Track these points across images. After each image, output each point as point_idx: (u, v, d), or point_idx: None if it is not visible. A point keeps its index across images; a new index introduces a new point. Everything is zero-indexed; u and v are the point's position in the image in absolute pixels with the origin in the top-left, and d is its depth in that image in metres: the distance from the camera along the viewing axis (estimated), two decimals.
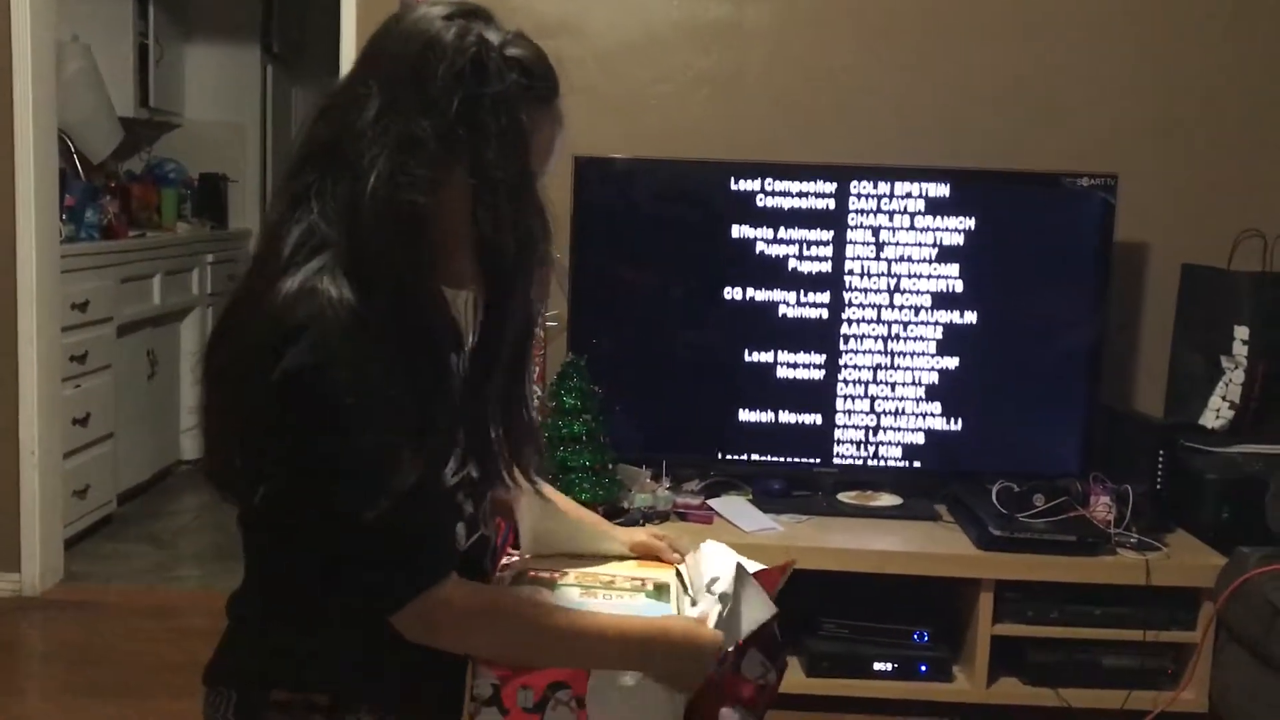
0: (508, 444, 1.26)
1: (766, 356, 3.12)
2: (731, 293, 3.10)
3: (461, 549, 1.22)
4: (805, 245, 3.08)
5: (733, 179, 3.06)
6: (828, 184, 3.07)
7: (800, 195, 3.07)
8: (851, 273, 3.10)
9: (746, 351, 3.12)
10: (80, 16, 4.38)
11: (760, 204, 3.07)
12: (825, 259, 3.09)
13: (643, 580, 1.37)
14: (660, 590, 1.34)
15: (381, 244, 1.10)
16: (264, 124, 5.45)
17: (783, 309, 3.10)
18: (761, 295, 3.10)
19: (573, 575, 1.36)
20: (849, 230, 3.08)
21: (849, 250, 3.09)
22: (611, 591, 1.32)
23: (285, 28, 5.45)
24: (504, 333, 1.18)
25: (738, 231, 3.08)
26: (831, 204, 3.08)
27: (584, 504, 2.80)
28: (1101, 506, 2.94)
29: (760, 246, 3.08)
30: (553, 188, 3.21)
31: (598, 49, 3.28)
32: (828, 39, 3.28)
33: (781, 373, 3.12)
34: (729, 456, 3.16)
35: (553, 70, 1.20)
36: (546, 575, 1.35)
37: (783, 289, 3.10)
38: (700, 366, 3.14)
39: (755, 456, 3.15)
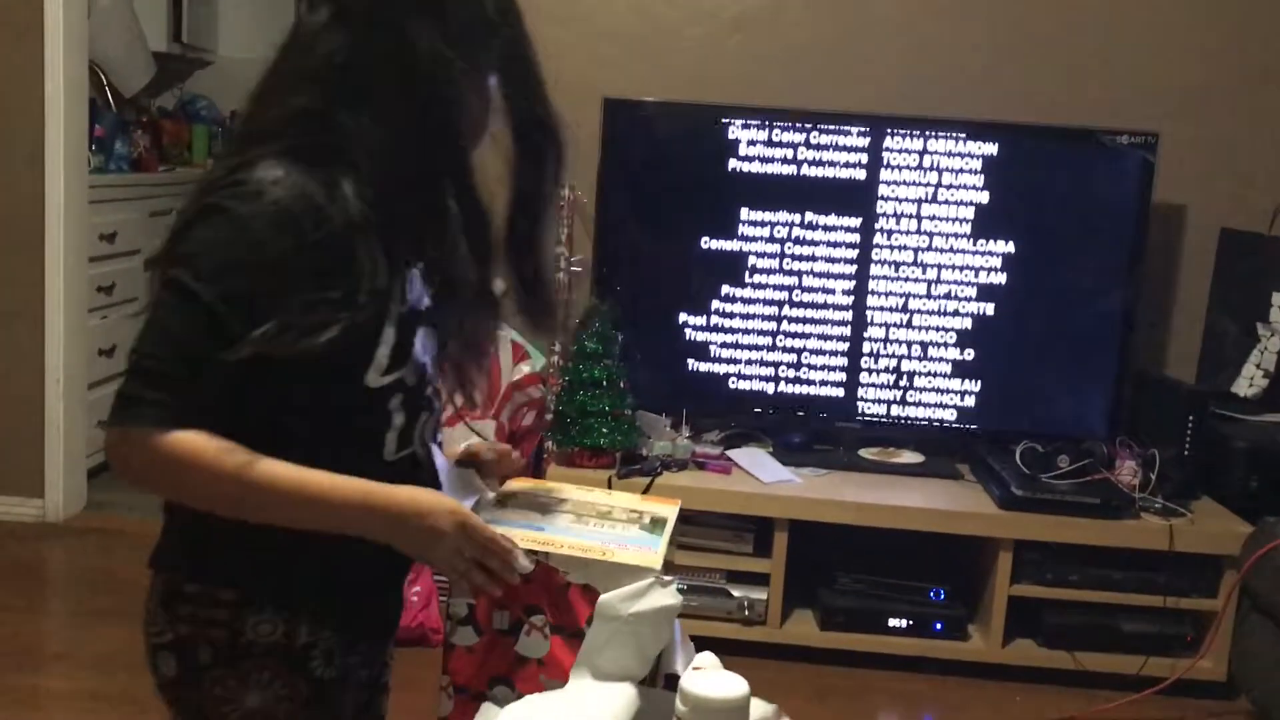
0: (461, 369, 1.30)
1: (793, 309, 3.08)
2: (758, 242, 3.05)
3: (388, 460, 1.21)
4: (836, 195, 3.03)
5: (764, 125, 3.01)
6: (862, 134, 3.01)
7: (833, 147, 3.02)
8: (882, 228, 3.04)
9: (772, 302, 3.08)
10: None
11: (792, 152, 3.02)
12: (856, 210, 3.03)
13: (640, 513, 1.35)
14: (657, 524, 1.32)
15: (426, 134, 1.15)
16: None
17: (811, 261, 3.06)
18: (790, 246, 3.05)
19: (570, 503, 1.34)
20: (881, 184, 3.03)
21: (880, 205, 3.03)
22: (605, 521, 1.30)
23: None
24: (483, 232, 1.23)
25: (767, 179, 3.03)
26: (865, 155, 3.02)
27: (600, 450, 2.83)
28: (1127, 470, 2.89)
29: (791, 195, 3.03)
30: (581, 129, 3.19)
31: None
32: None
33: (807, 326, 3.08)
34: (750, 408, 3.13)
35: None
36: (543, 499, 1.34)
37: (812, 241, 3.05)
38: (723, 315, 3.10)
39: (776, 408, 3.12)
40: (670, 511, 1.37)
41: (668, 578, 1.19)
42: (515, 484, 1.40)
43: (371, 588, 1.26)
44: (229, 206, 1.09)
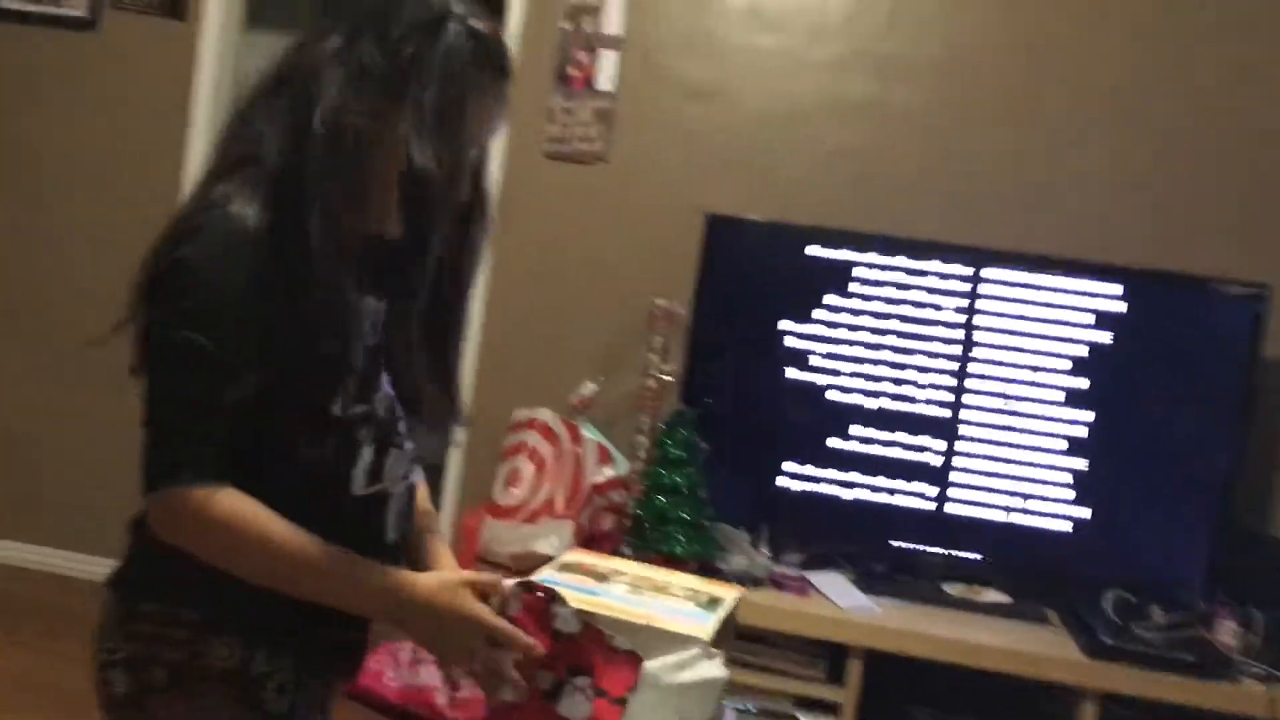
0: (428, 409, 1.31)
1: (883, 434, 3.04)
2: (851, 365, 3.05)
3: (356, 494, 1.22)
4: (933, 325, 3.02)
5: (864, 250, 3.03)
6: (962, 265, 3.01)
7: (932, 274, 3.02)
8: (978, 358, 3.01)
9: (862, 426, 3.05)
10: None
11: (891, 279, 3.03)
12: (953, 341, 3.02)
13: (698, 591, 1.33)
14: (713, 603, 1.30)
15: (319, 165, 1.16)
16: None
17: (904, 387, 3.04)
18: (883, 371, 3.04)
19: (629, 576, 1.34)
20: (978, 315, 3.01)
21: (976, 335, 3.01)
22: (660, 594, 1.29)
23: None
24: (420, 273, 1.22)
25: (864, 304, 3.04)
26: (964, 286, 3.01)
27: (676, 559, 2.81)
28: (1226, 630, 2.76)
29: (886, 322, 3.03)
30: (681, 242, 3.24)
31: (741, 116, 3.31)
32: (972, 122, 3.25)
33: (897, 453, 3.04)
34: (833, 531, 3.08)
35: (507, 51, 1.29)
36: (602, 568, 1.33)
37: (906, 367, 3.03)
38: (812, 436, 3.08)
39: (860, 534, 3.06)
40: (729, 595, 1.36)
41: (715, 650, 1.17)
42: (577, 555, 1.40)
43: (337, 623, 1.24)
44: (190, 254, 1.13)
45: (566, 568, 1.33)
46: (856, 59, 3.28)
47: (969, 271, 3.01)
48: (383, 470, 1.26)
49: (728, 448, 3.02)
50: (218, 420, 1.13)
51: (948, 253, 3.02)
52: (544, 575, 1.26)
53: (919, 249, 3.03)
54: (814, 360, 3.07)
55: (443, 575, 1.22)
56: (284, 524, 1.14)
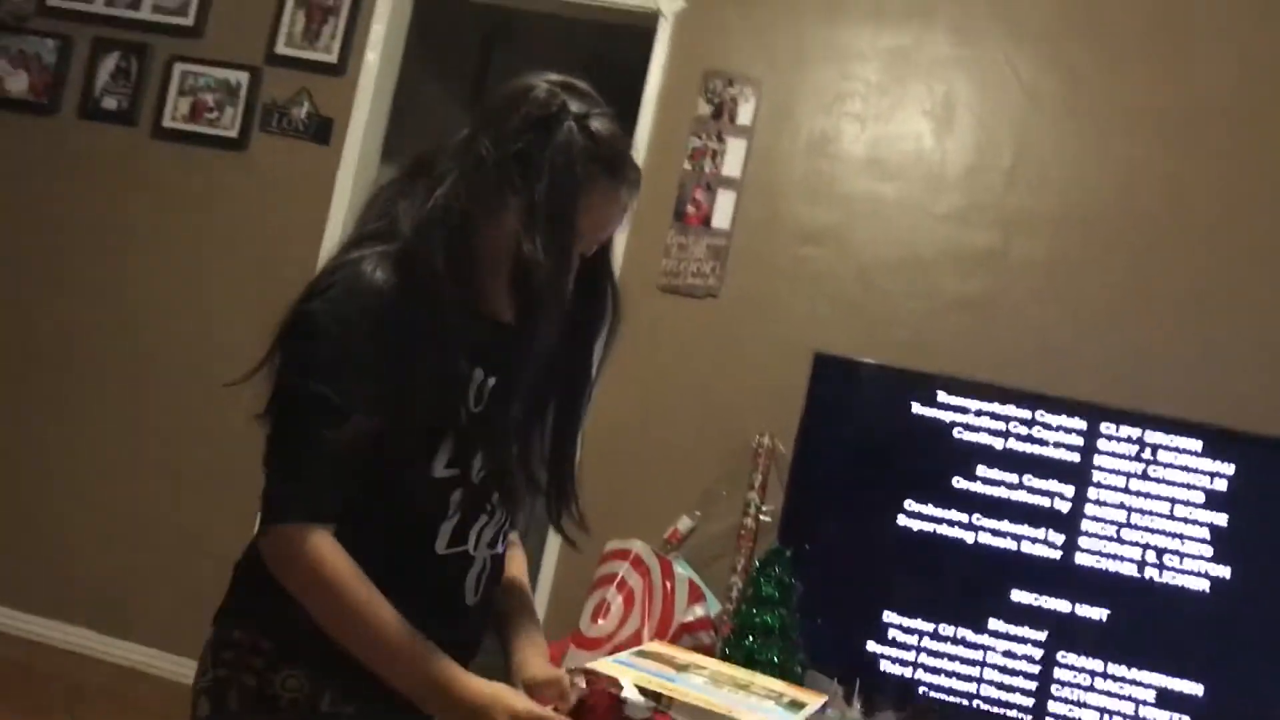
0: (548, 492, 1.36)
1: (987, 592, 2.91)
2: (956, 517, 2.94)
3: (439, 552, 1.26)
4: (1044, 481, 2.91)
5: (975, 399, 2.96)
6: (1076, 420, 2.91)
7: (1045, 427, 2.93)
8: (1091, 517, 2.88)
9: (964, 582, 2.92)
10: None
11: (1002, 429, 2.94)
12: (1064, 498, 2.90)
13: (781, 694, 1.26)
14: (795, 706, 1.23)
15: (433, 243, 1.24)
16: None
17: (1011, 544, 2.91)
18: (990, 524, 2.92)
19: (710, 670, 1.28)
20: (1093, 471, 2.89)
21: (1090, 493, 2.89)
22: (741, 690, 1.23)
23: None
24: (529, 355, 1.26)
25: (972, 455, 2.95)
26: (1078, 441, 2.91)
27: None
28: None
29: (995, 474, 2.93)
30: (788, 381, 3.19)
31: (856, 260, 3.31)
32: (1094, 275, 3.19)
33: (1001, 613, 2.89)
34: (929, 691, 2.92)
35: (625, 152, 1.33)
36: (682, 659, 1.28)
37: (1014, 522, 2.91)
38: (911, 589, 2.96)
39: (958, 695, 2.90)
40: (814, 700, 1.28)
41: None
42: (656, 644, 1.35)
43: None
44: (319, 306, 1.21)
45: (644, 654, 1.28)
46: (976, 211, 3.27)
47: (1083, 425, 2.91)
48: (468, 533, 1.28)
49: (825, 592, 2.92)
50: (330, 465, 1.18)
51: (1062, 406, 2.92)
52: (621, 656, 1.21)
53: (1035, 401, 2.94)
54: (918, 508, 2.97)
55: (498, 691, 1.20)
56: (368, 585, 1.17)
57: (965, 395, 2.98)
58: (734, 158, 3.36)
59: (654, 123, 3.43)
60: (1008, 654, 2.88)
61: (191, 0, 3.77)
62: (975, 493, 2.94)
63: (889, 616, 2.94)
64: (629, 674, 1.15)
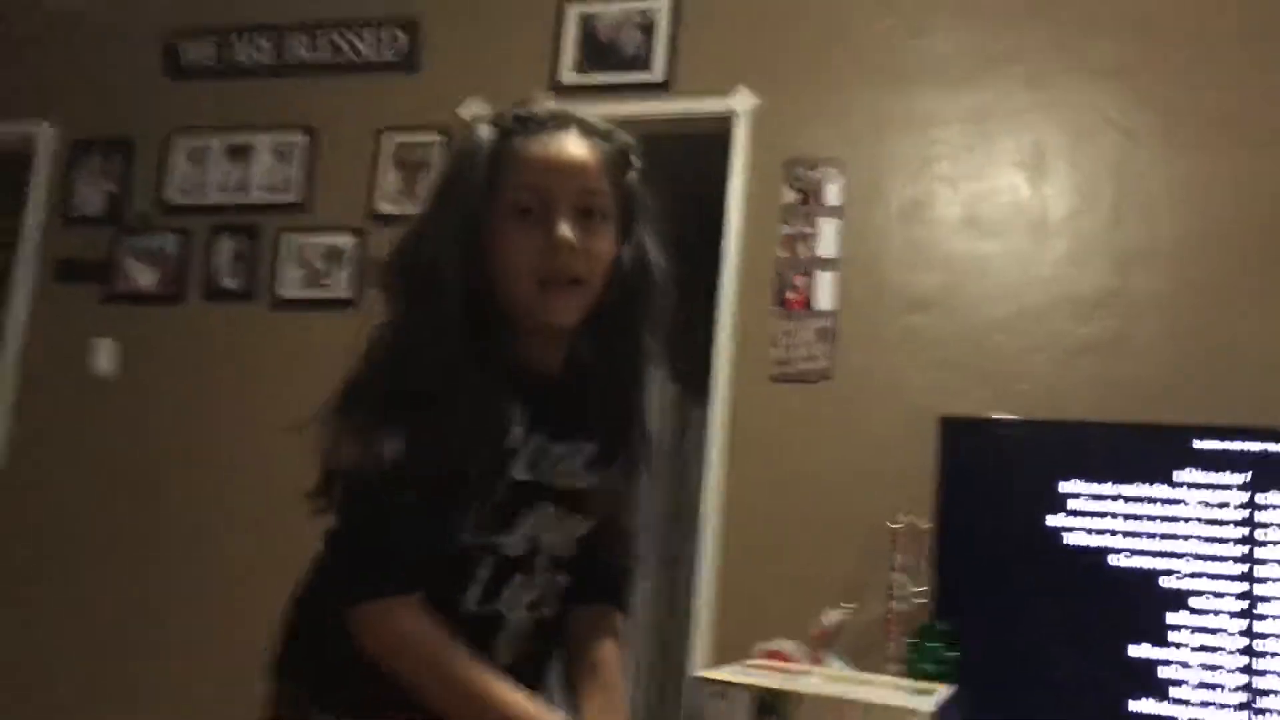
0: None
1: (1157, 654, 2.67)
2: (1118, 574, 2.74)
3: (469, 609, 1.23)
4: (1209, 527, 2.69)
5: (1121, 442, 2.79)
6: (1238, 451, 2.70)
7: (1205, 467, 2.73)
8: (1264, 561, 2.64)
9: (1130, 647, 2.69)
10: None
11: (1155, 469, 2.75)
12: (1233, 541, 2.67)
13: (903, 686, 1.16)
14: (925, 693, 1.12)
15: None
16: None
17: (1180, 600, 2.68)
18: (1156, 580, 2.71)
19: (823, 674, 1.18)
20: (1258, 508, 2.67)
21: (1260, 533, 2.66)
22: (863, 685, 1.13)
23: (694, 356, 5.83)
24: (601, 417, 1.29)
25: (1126, 503, 2.76)
26: (1244, 478, 2.69)
27: None
28: None
29: (1155, 524, 2.73)
30: (916, 453, 3.08)
31: (970, 321, 3.21)
32: (1224, 305, 3.02)
33: (1175, 685, 2.65)
34: None
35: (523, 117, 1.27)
36: (792, 670, 1.19)
37: (1179, 576, 2.69)
38: (1077, 657, 2.74)
39: None
40: (941, 690, 1.17)
41: None
42: (761, 660, 1.26)
43: None
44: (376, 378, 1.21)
45: (754, 666, 1.19)
46: (1086, 253, 3.16)
47: (1246, 458, 2.70)
48: (499, 593, 1.25)
49: (991, 668, 2.73)
50: (412, 533, 1.17)
51: (1224, 434, 2.73)
52: (730, 666, 1.13)
53: (1191, 434, 2.75)
54: (1075, 568, 2.78)
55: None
56: (455, 648, 1.16)
57: (1110, 440, 2.81)
58: (828, 238, 3.34)
59: (742, 217, 3.44)
60: (1190, 706, 2.62)
61: (294, 176, 3.98)
62: (1139, 549, 2.74)
63: (1054, 686, 2.72)
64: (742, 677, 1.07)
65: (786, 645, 3.01)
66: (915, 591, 2.98)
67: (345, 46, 4.00)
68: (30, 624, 3.97)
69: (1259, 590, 2.63)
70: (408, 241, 1.25)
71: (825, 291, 3.31)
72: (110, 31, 4.35)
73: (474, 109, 3.76)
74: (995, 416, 2.98)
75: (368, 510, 1.18)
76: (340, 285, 3.86)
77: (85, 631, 3.91)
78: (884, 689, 1.11)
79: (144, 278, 4.09)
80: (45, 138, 4.32)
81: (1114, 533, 2.75)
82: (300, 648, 1.29)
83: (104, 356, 4.07)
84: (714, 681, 1.09)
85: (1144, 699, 2.65)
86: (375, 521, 1.17)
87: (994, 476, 2.94)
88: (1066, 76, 3.26)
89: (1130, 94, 3.20)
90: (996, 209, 3.26)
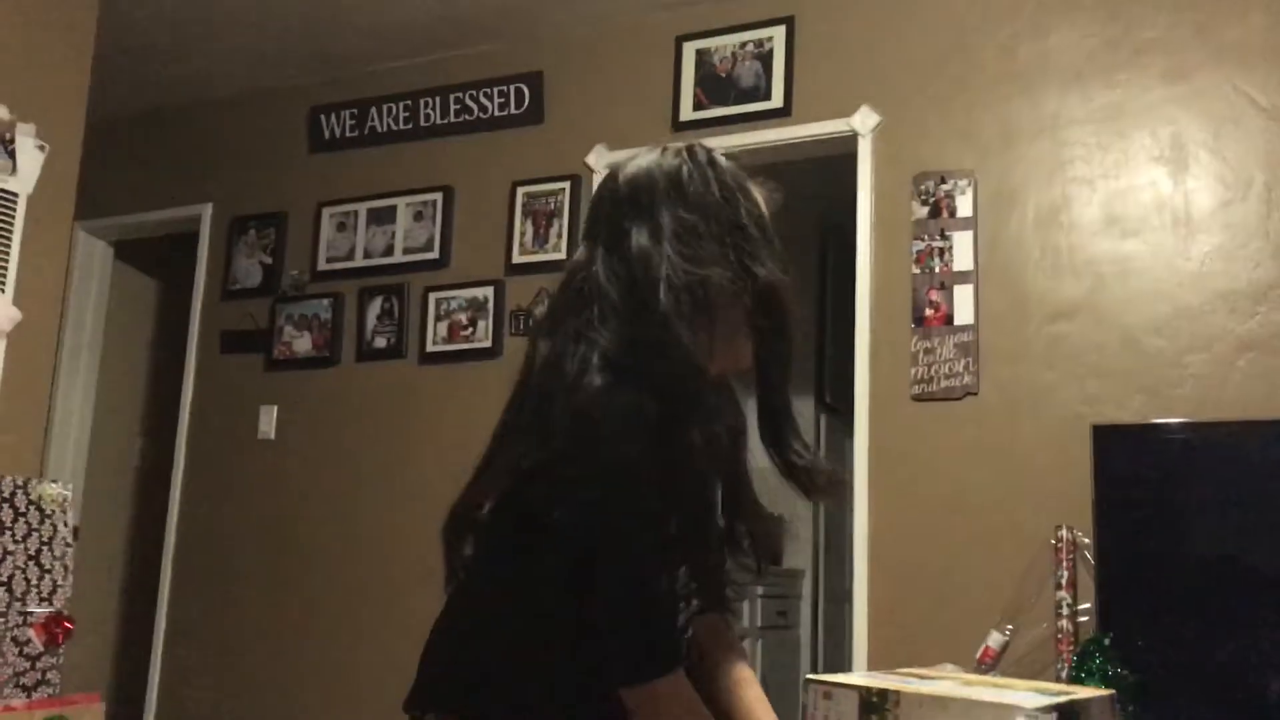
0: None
1: None
2: None
3: None
4: None
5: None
6: None
7: None
8: None
9: None
10: None
11: None
12: None
13: (1047, 688, 1.12)
14: (1062, 694, 1.08)
15: (674, 331, 1.20)
16: None
17: None
18: None
19: (957, 678, 1.15)
20: None
21: None
22: (997, 688, 1.09)
23: (836, 382, 5.76)
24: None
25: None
26: None
27: None
28: None
29: None
30: (1070, 465, 2.97)
31: (1119, 325, 3.09)
32: None
33: None
34: None
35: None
36: (923, 674, 1.16)
37: None
38: (1252, 660, 2.57)
39: None
40: (1091, 694, 1.12)
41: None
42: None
43: None
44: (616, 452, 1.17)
45: (891, 673, 1.17)
46: (1238, 246, 3.01)
47: None
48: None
49: (1154, 678, 2.59)
50: (674, 603, 1.22)
51: None
52: (857, 672, 1.11)
53: None
54: (1249, 569, 2.63)
55: None
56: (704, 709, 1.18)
57: (1273, 440, 2.65)
58: (963, 251, 3.26)
59: (872, 236, 3.40)
60: None
61: (435, 235, 4.12)
62: None
63: (1230, 697, 2.57)
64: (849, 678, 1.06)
65: (949, 669, 2.92)
66: (1079, 606, 2.86)
67: (474, 105, 4.14)
68: (203, 668, 4.17)
69: None
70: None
71: (964, 305, 3.23)
72: (260, 112, 4.61)
73: (600, 155, 3.84)
74: (1149, 421, 2.85)
75: (648, 586, 1.15)
76: (483, 335, 3.97)
77: (257, 666, 4.08)
78: (1016, 691, 1.07)
79: (300, 343, 4.28)
80: (206, 218, 4.60)
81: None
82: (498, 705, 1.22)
83: (264, 420, 4.29)
84: (822, 682, 1.08)
85: None
86: (656, 596, 1.16)
87: (1154, 484, 2.80)
88: (1206, 65, 3.12)
89: (1276, 75, 3.05)
90: (1138, 206, 3.14)
